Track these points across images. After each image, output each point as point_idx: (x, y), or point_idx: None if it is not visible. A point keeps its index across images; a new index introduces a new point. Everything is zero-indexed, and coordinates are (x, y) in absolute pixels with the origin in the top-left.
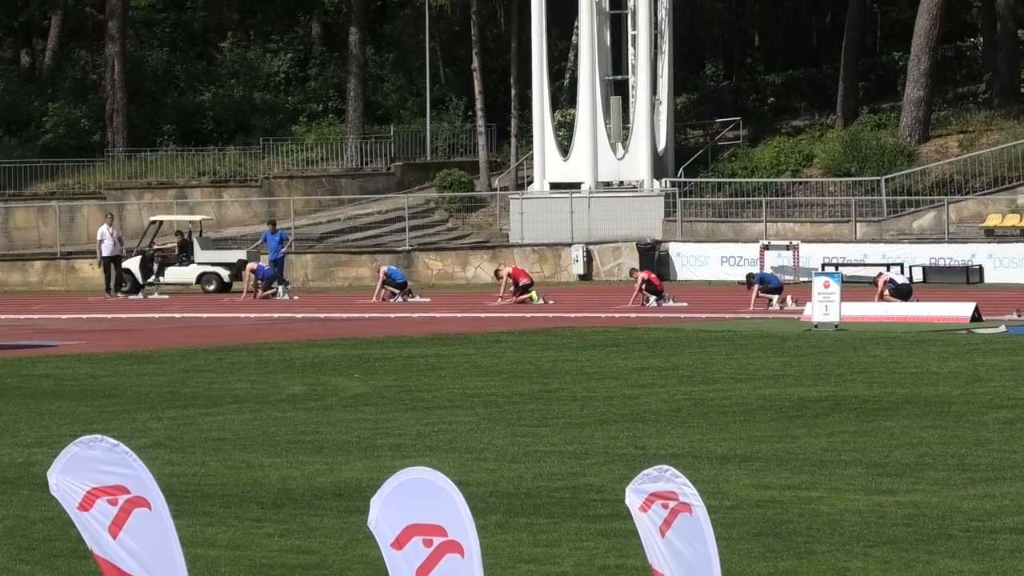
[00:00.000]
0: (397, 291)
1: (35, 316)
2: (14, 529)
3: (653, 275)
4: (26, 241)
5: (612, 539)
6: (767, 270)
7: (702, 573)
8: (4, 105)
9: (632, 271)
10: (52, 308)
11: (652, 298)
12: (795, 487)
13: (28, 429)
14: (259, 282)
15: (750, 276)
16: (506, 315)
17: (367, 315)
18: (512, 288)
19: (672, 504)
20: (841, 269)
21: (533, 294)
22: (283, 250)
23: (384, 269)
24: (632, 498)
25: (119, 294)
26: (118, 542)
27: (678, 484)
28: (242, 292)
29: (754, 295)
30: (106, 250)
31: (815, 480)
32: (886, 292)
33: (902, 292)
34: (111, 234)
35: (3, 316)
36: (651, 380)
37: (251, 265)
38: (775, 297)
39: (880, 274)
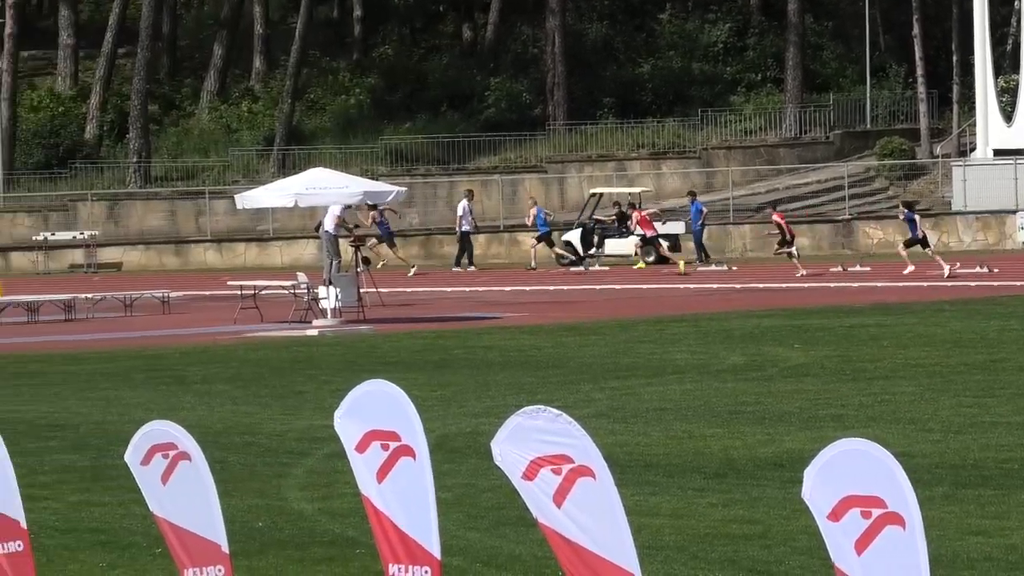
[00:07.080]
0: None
1: (480, 288)
2: (463, 497)
3: None
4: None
5: None
6: None
7: None
8: (447, 80)
9: None
10: (495, 280)
11: None
12: None
13: (475, 399)
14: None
15: None
16: (948, 284)
17: (805, 285)
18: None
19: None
20: None
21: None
22: (700, 221)
23: (533, 211)
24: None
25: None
26: (562, 511)
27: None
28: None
29: None
30: (466, 225)
31: None
32: None
33: None
34: (470, 210)
35: (449, 289)
36: None
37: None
38: None
39: None
